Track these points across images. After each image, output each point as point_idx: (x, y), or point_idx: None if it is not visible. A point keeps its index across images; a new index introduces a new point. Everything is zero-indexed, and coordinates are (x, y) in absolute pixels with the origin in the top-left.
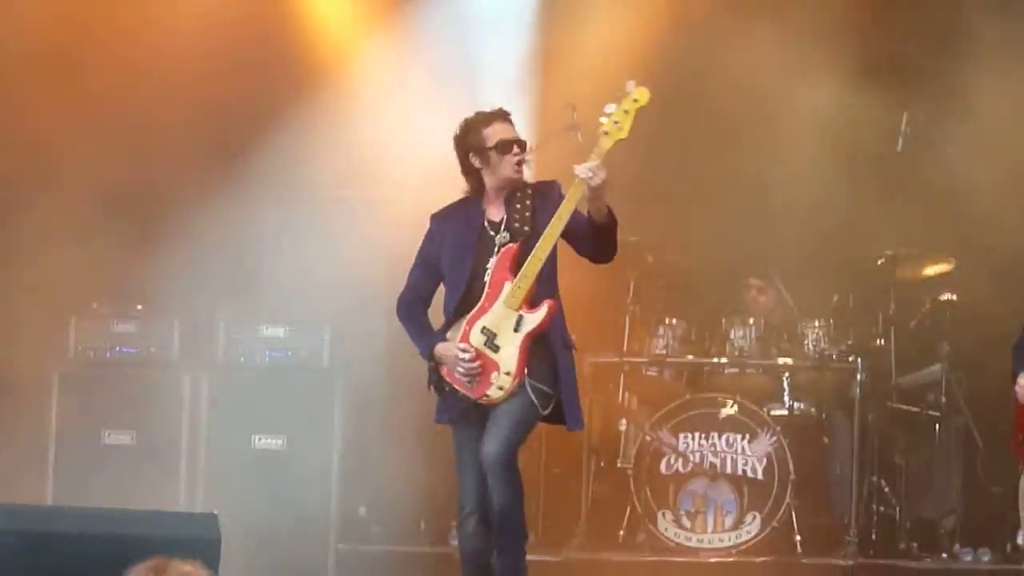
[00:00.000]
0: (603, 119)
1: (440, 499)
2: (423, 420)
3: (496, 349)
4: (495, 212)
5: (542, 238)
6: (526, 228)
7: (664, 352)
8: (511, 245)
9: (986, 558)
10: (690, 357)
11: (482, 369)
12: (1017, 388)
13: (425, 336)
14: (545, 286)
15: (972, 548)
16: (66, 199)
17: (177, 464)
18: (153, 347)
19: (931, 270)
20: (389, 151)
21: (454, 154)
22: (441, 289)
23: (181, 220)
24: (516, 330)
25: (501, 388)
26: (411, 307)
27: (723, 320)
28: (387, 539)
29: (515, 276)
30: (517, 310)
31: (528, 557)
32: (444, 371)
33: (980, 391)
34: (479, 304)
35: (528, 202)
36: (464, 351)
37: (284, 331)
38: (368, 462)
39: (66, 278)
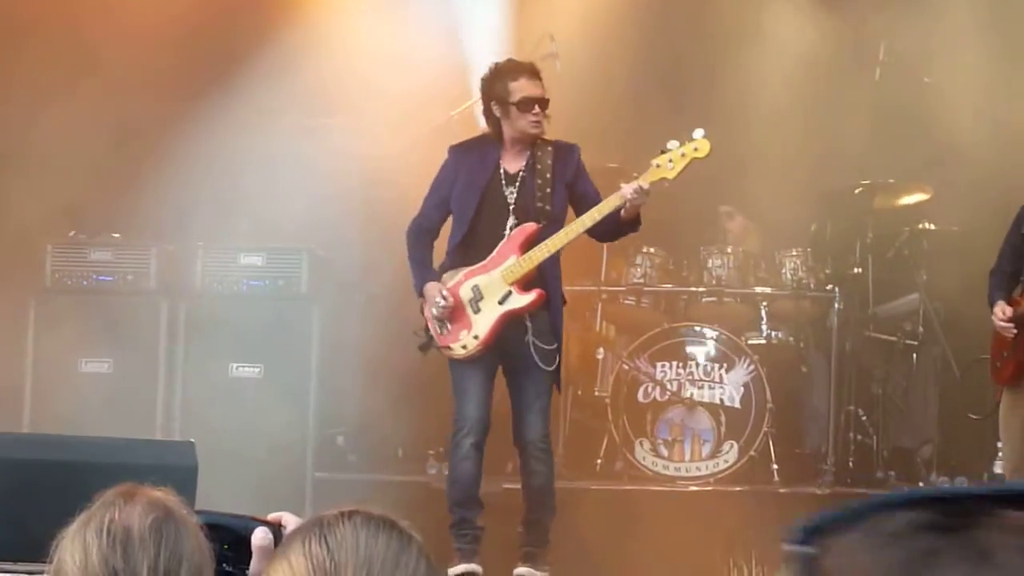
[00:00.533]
0: (662, 154)
1: (417, 428)
2: (401, 348)
3: (477, 311)
4: (511, 162)
5: (557, 236)
6: (547, 208)
7: (642, 281)
8: (531, 225)
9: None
10: (668, 286)
11: (455, 321)
12: (994, 316)
13: (423, 271)
14: (550, 264)
15: (949, 477)
16: (43, 128)
17: (154, 392)
18: (130, 275)
19: (909, 199)
20: (368, 79)
21: (433, 83)
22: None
23: (158, 148)
24: (501, 303)
25: (464, 347)
26: (418, 238)
27: (701, 249)
28: (364, 467)
29: (522, 253)
30: (509, 285)
31: (504, 485)
32: (424, 304)
33: (958, 320)
34: (482, 263)
35: (548, 175)
36: (444, 298)
37: (261, 259)
38: (346, 390)
39: (43, 206)
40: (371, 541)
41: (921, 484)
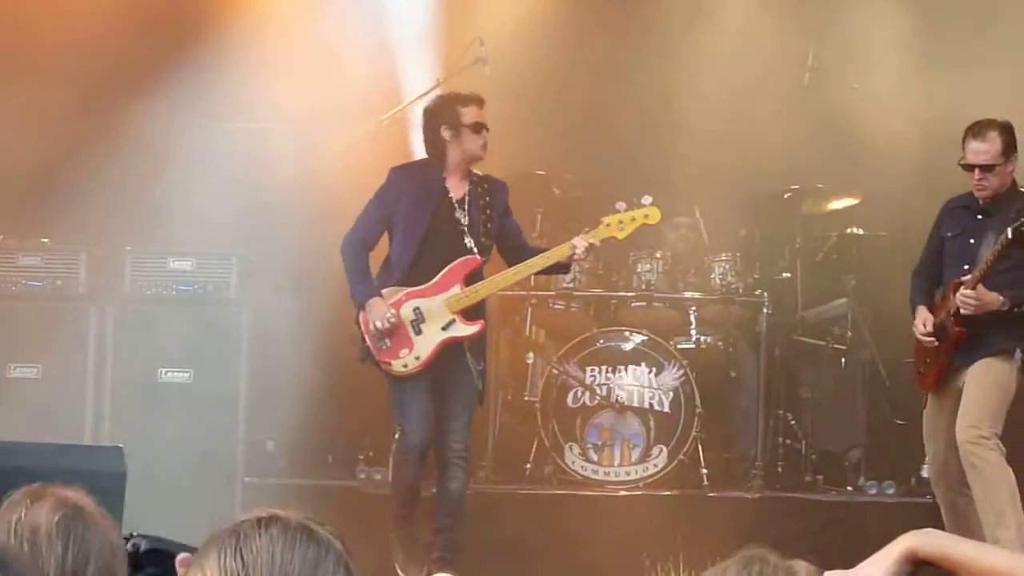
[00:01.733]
0: (613, 215)
1: (348, 433)
2: (331, 354)
3: (419, 332)
4: (456, 187)
5: (504, 275)
6: (488, 242)
7: (571, 286)
8: (475, 258)
9: (891, 491)
10: (597, 291)
11: (395, 339)
12: (915, 327)
13: (365, 283)
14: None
15: (877, 481)
16: None
17: (83, 398)
18: (59, 280)
19: (837, 204)
20: (298, 83)
21: (361, 86)
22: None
23: (88, 152)
24: (444, 329)
25: (405, 366)
26: (357, 251)
27: (630, 254)
28: (294, 472)
29: (465, 285)
30: (454, 314)
31: (435, 490)
32: (362, 317)
33: (886, 324)
34: (424, 286)
35: (488, 211)
36: (389, 316)
37: (191, 264)
38: (276, 396)
39: None
40: (287, 553)
41: (850, 488)
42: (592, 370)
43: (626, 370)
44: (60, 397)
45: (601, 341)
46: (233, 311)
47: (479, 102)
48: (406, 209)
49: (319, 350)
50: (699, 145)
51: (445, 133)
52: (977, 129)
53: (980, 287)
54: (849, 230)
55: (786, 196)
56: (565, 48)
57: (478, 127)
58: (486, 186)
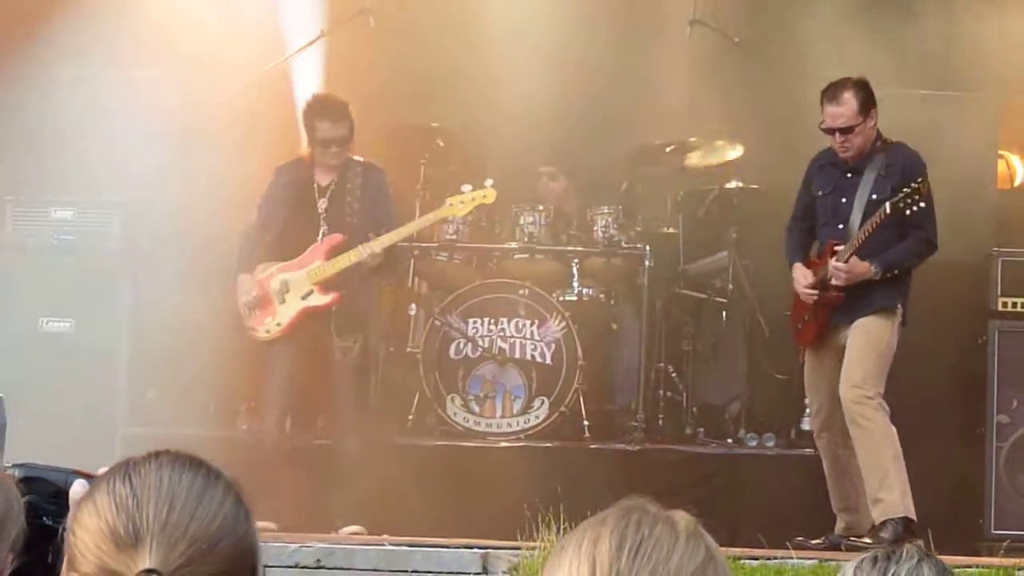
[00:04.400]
0: (456, 195)
1: (229, 383)
2: (213, 303)
3: (282, 302)
4: (323, 176)
5: (356, 250)
6: (354, 222)
7: (454, 237)
8: (338, 236)
9: (771, 443)
10: (481, 243)
11: (263, 308)
12: (796, 282)
13: (244, 264)
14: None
15: (757, 434)
16: None
17: None
18: None
19: (718, 158)
20: (181, 31)
21: (253, 32)
22: None
23: None
24: (303, 299)
25: (268, 331)
26: (247, 238)
27: (513, 207)
28: (175, 423)
29: (326, 259)
30: (312, 285)
31: (318, 441)
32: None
33: (766, 278)
34: (293, 260)
35: (357, 192)
36: (250, 290)
37: (73, 213)
38: (157, 346)
39: None
40: (174, 477)
41: (730, 440)
42: (475, 322)
43: (508, 322)
44: None
45: (483, 293)
46: (116, 260)
47: (336, 116)
48: (276, 199)
49: (201, 300)
50: (581, 98)
51: (306, 136)
52: (831, 92)
53: (851, 262)
54: (730, 184)
55: (668, 149)
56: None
57: (326, 142)
58: (359, 170)
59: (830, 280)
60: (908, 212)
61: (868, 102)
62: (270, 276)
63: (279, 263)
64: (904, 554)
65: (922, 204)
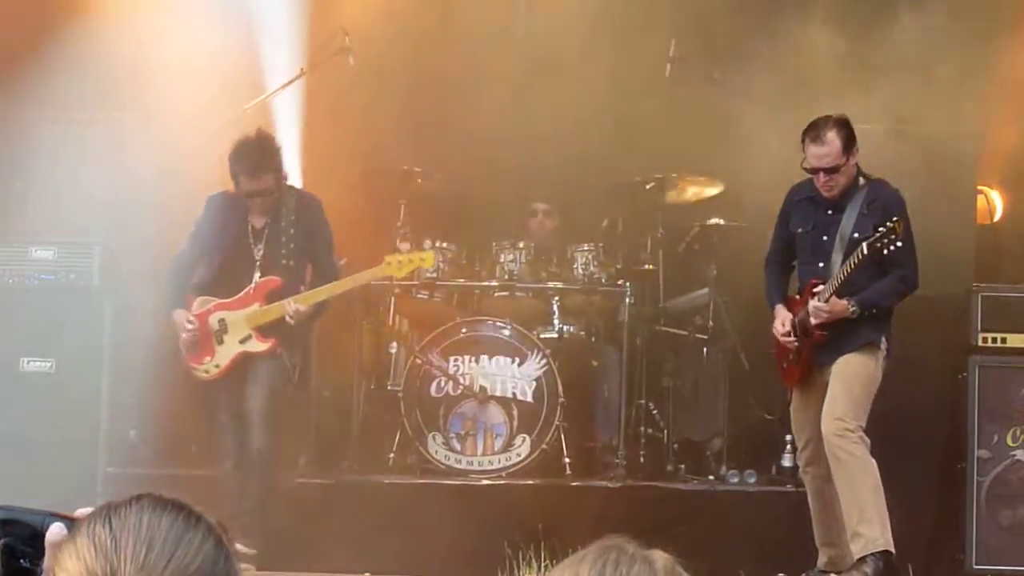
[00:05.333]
0: (394, 254)
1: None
2: None
3: (220, 342)
4: (257, 217)
5: (281, 304)
6: (290, 264)
7: (434, 275)
8: (275, 279)
9: (752, 480)
10: (461, 280)
11: (202, 346)
12: (775, 328)
13: (178, 298)
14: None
15: (738, 470)
16: None
17: None
18: None
19: (699, 194)
20: (160, 72)
21: (225, 76)
22: None
23: None
24: (241, 343)
25: (207, 372)
26: (180, 271)
27: (493, 244)
28: (157, 462)
29: (264, 303)
30: (250, 329)
31: (299, 480)
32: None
33: (747, 314)
34: (232, 298)
35: (292, 231)
36: (190, 323)
37: (53, 253)
38: (139, 385)
39: None
40: (154, 520)
41: (711, 477)
42: (455, 360)
43: (489, 359)
44: None
45: (464, 331)
46: (96, 299)
47: (253, 169)
48: (212, 238)
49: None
50: (561, 135)
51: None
52: (814, 133)
53: (831, 302)
54: (711, 220)
55: (648, 187)
56: (431, 39)
57: (251, 195)
58: (292, 204)
59: (811, 320)
60: (885, 252)
61: (850, 140)
62: (207, 312)
63: (215, 299)
64: None
65: (899, 244)
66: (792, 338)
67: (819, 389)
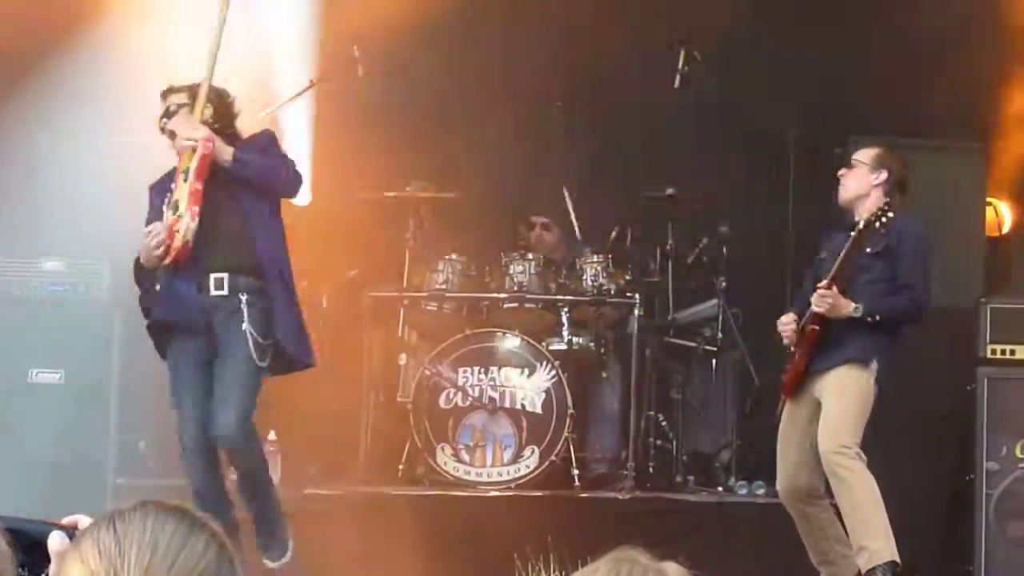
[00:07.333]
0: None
1: None
2: None
3: (177, 209)
4: None
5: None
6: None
7: (444, 287)
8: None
9: (761, 491)
10: (470, 292)
11: (170, 234)
12: (779, 321)
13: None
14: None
15: (747, 481)
16: None
17: None
18: None
19: (707, 207)
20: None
21: (240, 84)
22: None
23: None
24: (184, 180)
25: (186, 232)
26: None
27: (502, 255)
28: (166, 473)
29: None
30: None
31: (307, 491)
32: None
33: (756, 326)
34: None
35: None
36: (150, 231)
37: (63, 265)
38: (147, 396)
39: None
40: (157, 525)
41: (720, 489)
42: (464, 371)
43: (498, 371)
44: None
45: (473, 342)
46: (105, 311)
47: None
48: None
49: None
50: (572, 148)
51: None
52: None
53: (835, 291)
54: (719, 232)
55: (657, 199)
56: (443, 52)
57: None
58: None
59: (812, 313)
60: (878, 224)
61: (884, 163)
62: (161, 214)
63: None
64: None
65: (891, 214)
66: (792, 327)
67: (807, 405)
